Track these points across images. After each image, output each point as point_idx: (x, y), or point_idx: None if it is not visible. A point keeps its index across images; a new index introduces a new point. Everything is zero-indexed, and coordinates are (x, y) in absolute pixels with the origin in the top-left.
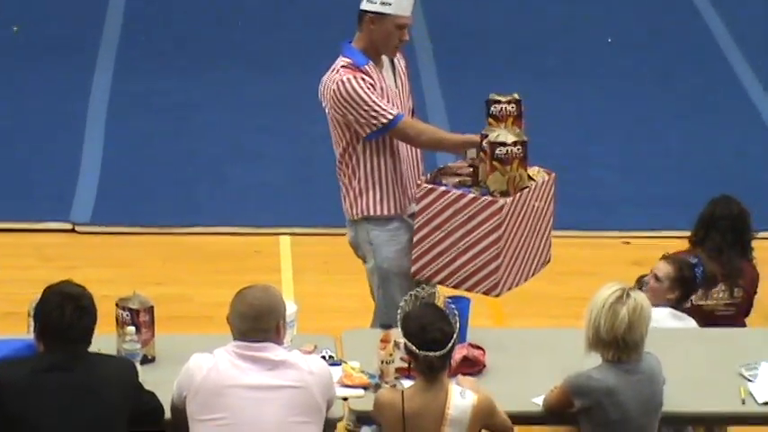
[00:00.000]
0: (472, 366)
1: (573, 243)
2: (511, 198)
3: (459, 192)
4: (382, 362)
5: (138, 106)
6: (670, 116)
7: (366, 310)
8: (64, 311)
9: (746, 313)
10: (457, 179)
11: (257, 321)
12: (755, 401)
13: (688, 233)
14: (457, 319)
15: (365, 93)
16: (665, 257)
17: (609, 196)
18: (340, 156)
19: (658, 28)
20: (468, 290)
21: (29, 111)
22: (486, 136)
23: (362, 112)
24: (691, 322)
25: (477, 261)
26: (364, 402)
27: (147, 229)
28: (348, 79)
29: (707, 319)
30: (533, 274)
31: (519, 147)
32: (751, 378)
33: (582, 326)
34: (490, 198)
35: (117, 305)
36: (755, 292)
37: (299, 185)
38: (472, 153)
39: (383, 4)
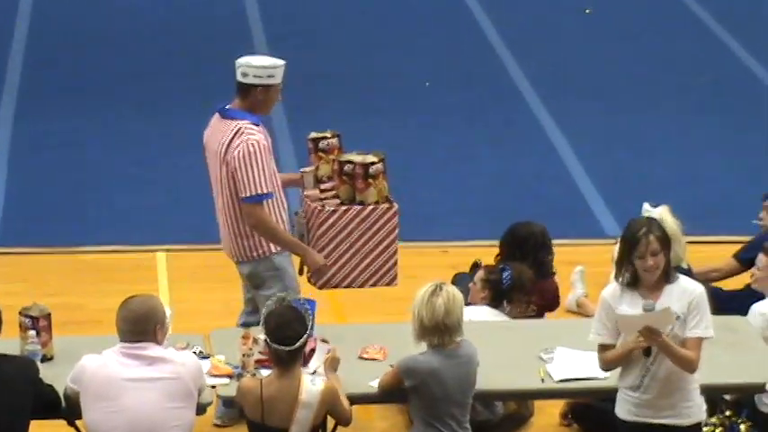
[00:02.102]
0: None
1: (400, 252)
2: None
3: (357, 207)
4: (244, 355)
5: (35, 144)
6: (480, 144)
7: (229, 312)
8: None
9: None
10: (324, 203)
11: (137, 324)
12: (552, 379)
13: (495, 242)
14: (311, 320)
15: (263, 160)
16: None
17: (430, 211)
18: (238, 205)
19: (469, 71)
20: (373, 285)
21: None
22: (346, 162)
23: (250, 175)
24: (505, 318)
25: (379, 260)
26: (229, 389)
27: (45, 249)
28: (257, 141)
29: None
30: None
31: (381, 163)
32: (548, 361)
33: (407, 320)
34: (386, 205)
35: (20, 313)
36: (556, 297)
37: (172, 209)
38: (309, 184)
39: (269, 77)
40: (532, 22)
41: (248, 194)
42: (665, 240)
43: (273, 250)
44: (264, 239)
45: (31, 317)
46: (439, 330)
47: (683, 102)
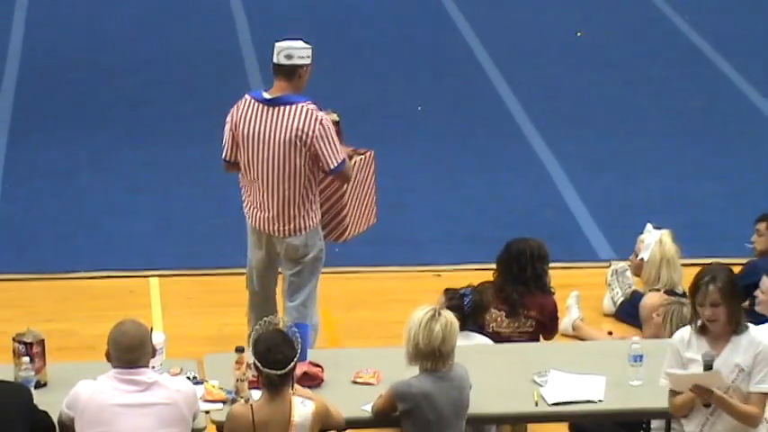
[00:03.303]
0: (312, 380)
1: (393, 276)
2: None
3: (354, 160)
4: (237, 380)
5: (27, 172)
6: (472, 169)
7: (222, 337)
8: None
9: (546, 336)
10: None
11: (134, 351)
12: (546, 403)
13: (486, 265)
14: (299, 343)
15: (334, 132)
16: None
17: (422, 236)
18: (306, 183)
19: (461, 96)
20: (367, 228)
21: None
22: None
23: (333, 148)
24: (481, 339)
25: (367, 202)
26: (223, 414)
27: (38, 275)
28: (325, 119)
29: (506, 342)
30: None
31: None
32: (542, 384)
33: (401, 344)
34: (369, 152)
35: (13, 339)
36: (554, 319)
37: (164, 235)
38: None
39: (308, 57)
40: (524, 46)
41: (337, 164)
42: (729, 292)
43: (318, 220)
44: (316, 211)
45: (25, 343)
46: (433, 356)
47: (675, 125)
